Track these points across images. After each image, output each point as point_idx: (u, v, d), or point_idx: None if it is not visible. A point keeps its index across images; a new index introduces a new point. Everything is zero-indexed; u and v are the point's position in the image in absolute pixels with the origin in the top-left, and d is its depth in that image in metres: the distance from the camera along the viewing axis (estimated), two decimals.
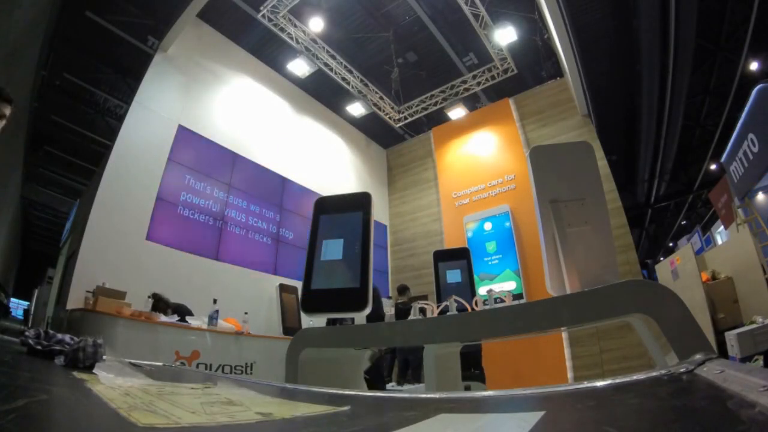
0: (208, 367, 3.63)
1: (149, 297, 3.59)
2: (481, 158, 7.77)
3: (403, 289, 4.92)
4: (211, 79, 6.12)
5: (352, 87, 7.67)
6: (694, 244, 7.65)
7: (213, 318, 3.83)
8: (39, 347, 0.83)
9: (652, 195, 12.45)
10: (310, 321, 1.55)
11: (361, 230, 1.48)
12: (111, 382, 0.61)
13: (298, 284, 4.38)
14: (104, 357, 0.76)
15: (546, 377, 5.56)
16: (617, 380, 0.48)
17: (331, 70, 7.29)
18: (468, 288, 2.47)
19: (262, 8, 6.24)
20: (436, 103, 8.17)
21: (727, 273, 5.86)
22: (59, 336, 0.89)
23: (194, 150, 5.47)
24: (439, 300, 2.34)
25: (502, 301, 1.47)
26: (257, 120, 6.63)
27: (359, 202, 1.52)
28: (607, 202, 1.33)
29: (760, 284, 5.01)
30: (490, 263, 6.77)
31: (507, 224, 6.82)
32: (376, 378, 3.35)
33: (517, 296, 6.12)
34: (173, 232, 4.88)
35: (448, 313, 1.61)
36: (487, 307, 1.46)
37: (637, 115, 8.98)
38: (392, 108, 8.37)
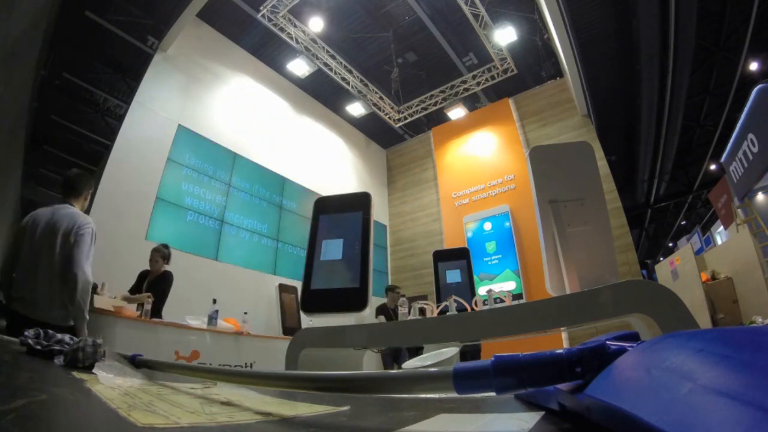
0: None
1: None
2: (480, 158, 7.77)
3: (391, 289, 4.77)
4: (211, 79, 6.12)
5: (352, 87, 7.67)
6: (693, 244, 7.66)
7: (213, 318, 3.82)
8: (38, 347, 0.83)
9: (652, 195, 12.46)
10: (310, 321, 1.55)
11: (360, 230, 1.48)
12: (110, 382, 0.61)
13: (298, 284, 4.37)
14: (104, 357, 0.76)
15: None
16: None
17: (331, 70, 7.30)
18: (468, 288, 2.47)
19: (261, 8, 6.24)
20: (435, 103, 8.17)
21: (727, 273, 5.87)
22: (59, 336, 0.89)
23: (194, 150, 5.47)
24: (439, 300, 2.34)
25: (502, 301, 1.47)
26: (257, 120, 6.63)
27: (359, 202, 1.52)
28: (606, 202, 1.33)
29: (759, 284, 5.01)
30: (489, 263, 6.77)
31: (507, 224, 6.82)
32: None
33: (517, 296, 6.12)
34: (173, 231, 4.88)
35: (448, 313, 1.61)
36: (486, 307, 1.46)
37: (637, 115, 8.99)
38: (392, 108, 8.37)
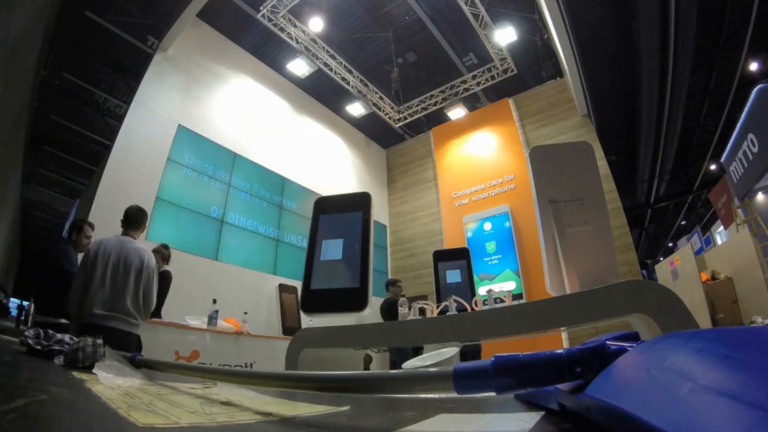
0: None
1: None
2: (480, 158, 7.77)
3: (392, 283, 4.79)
4: (211, 79, 6.12)
5: (352, 87, 7.67)
6: (693, 244, 7.65)
7: (213, 318, 3.82)
8: (38, 347, 0.83)
9: (652, 195, 12.45)
10: (310, 321, 1.55)
11: (360, 230, 1.47)
12: (110, 382, 0.61)
13: (298, 284, 4.37)
14: (104, 357, 0.76)
15: None
16: None
17: (331, 70, 7.29)
18: (468, 288, 2.47)
19: (261, 8, 6.23)
20: (435, 103, 8.17)
21: (727, 273, 5.87)
22: (59, 336, 0.89)
23: (194, 150, 5.46)
24: (439, 300, 2.34)
25: (502, 301, 1.46)
26: (257, 120, 6.63)
27: (359, 202, 1.52)
28: (606, 202, 1.33)
29: (759, 284, 5.01)
30: (489, 263, 6.77)
31: (507, 224, 6.82)
32: None
33: (517, 296, 6.12)
34: (173, 231, 4.88)
35: (447, 313, 1.61)
36: (486, 307, 1.46)
37: (637, 115, 8.99)
38: (392, 108, 8.36)
